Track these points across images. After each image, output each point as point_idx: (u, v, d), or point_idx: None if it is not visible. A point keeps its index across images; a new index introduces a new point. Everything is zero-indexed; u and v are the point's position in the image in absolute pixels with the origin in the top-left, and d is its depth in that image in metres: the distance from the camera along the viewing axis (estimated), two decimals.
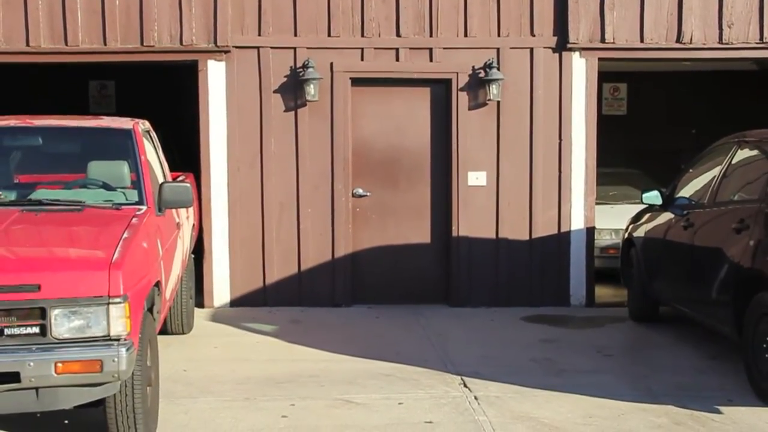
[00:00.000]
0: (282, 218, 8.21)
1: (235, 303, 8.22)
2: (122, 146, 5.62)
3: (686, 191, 6.96)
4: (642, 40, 8.18)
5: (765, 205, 5.50)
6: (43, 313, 4.00)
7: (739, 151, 6.29)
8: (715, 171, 6.50)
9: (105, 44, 7.95)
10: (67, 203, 5.10)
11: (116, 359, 4.00)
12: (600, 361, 6.39)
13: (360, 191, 8.35)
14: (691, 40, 8.17)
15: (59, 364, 3.96)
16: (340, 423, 5.01)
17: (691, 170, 7.14)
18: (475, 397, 5.44)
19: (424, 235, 8.57)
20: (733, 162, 6.28)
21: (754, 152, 6.14)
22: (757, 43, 8.17)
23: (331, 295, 8.25)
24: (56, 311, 4.00)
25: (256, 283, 8.23)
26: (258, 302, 8.19)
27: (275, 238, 8.20)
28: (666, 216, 7.07)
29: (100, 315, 4.02)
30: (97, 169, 5.46)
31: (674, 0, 8.13)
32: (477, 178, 8.18)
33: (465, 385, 5.70)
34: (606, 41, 8.16)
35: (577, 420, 5.05)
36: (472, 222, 8.21)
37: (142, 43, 7.97)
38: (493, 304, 8.17)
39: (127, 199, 5.26)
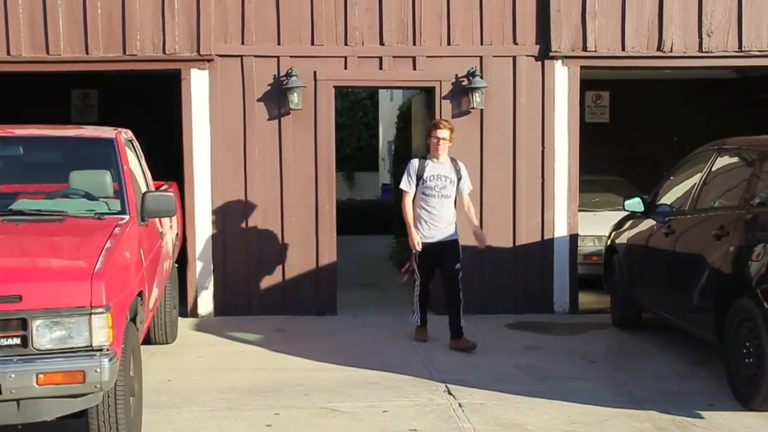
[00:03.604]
0: (266, 227, 8.20)
1: (219, 312, 8.20)
2: (104, 155, 5.60)
3: (667, 198, 7.02)
4: (623, 49, 8.25)
5: (744, 211, 5.56)
6: (24, 324, 3.98)
7: (719, 158, 6.35)
8: (696, 178, 6.55)
9: (87, 53, 7.93)
10: (48, 213, 5.08)
11: (99, 370, 3.98)
12: (583, 368, 6.42)
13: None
14: (671, 48, 8.25)
15: (41, 376, 3.94)
16: None
17: (672, 177, 7.19)
18: (460, 405, 5.45)
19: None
20: (713, 169, 6.34)
21: (734, 159, 6.21)
22: (735, 51, 8.26)
23: (315, 304, 8.25)
24: (38, 322, 3.98)
25: (241, 292, 8.21)
26: (242, 311, 8.17)
27: (259, 247, 8.19)
28: (648, 223, 7.12)
29: (82, 325, 4.01)
30: (79, 178, 5.43)
31: (655, 9, 8.21)
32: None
33: (449, 393, 5.71)
34: (588, 50, 8.23)
35: (560, 426, 5.07)
36: None
37: (124, 52, 7.95)
38: (477, 312, 8.17)
39: (109, 209, 5.24)
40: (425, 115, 8.62)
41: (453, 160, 6.99)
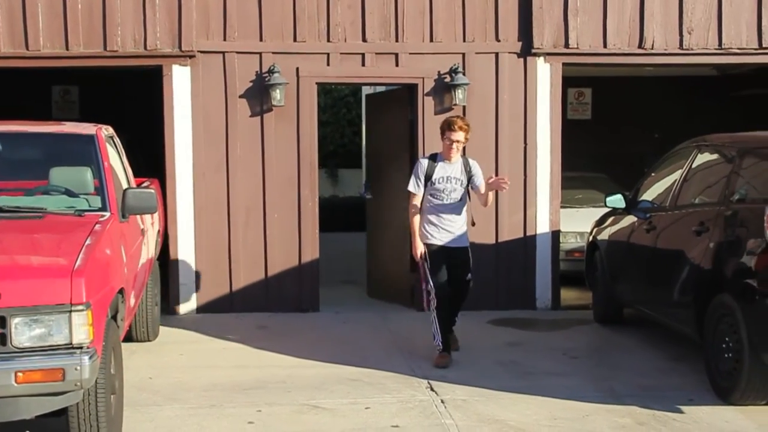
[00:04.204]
0: (248, 223, 8.18)
1: (201, 309, 8.17)
2: (85, 152, 5.56)
3: (649, 195, 7.06)
4: (605, 46, 8.28)
5: (724, 208, 5.60)
6: (2, 322, 3.94)
7: (699, 155, 6.40)
8: (676, 175, 6.60)
9: (67, 49, 7.86)
10: (28, 210, 5.04)
11: (79, 367, 3.96)
12: (565, 364, 6.45)
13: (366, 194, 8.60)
14: (652, 45, 8.29)
15: (20, 374, 3.91)
16: (307, 428, 5.00)
17: (653, 174, 7.24)
18: (442, 401, 5.47)
19: (390, 238, 8.60)
20: (694, 166, 6.39)
21: (714, 156, 6.25)
22: (716, 49, 8.31)
23: (298, 300, 8.24)
24: (16, 319, 3.95)
25: (223, 289, 8.18)
26: (225, 308, 8.14)
27: (241, 244, 8.17)
28: (629, 219, 7.16)
29: (62, 323, 3.98)
30: (60, 175, 5.39)
31: (636, 6, 8.25)
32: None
33: (432, 389, 5.72)
34: (570, 47, 8.25)
35: (542, 422, 5.09)
36: None
37: (105, 48, 7.90)
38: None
39: (90, 206, 5.20)
40: (398, 115, 8.59)
41: (464, 159, 6.47)
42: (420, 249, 6.33)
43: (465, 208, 6.45)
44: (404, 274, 8.48)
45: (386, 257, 8.76)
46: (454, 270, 6.37)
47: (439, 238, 6.34)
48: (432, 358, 6.32)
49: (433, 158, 6.45)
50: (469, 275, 6.47)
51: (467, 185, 6.40)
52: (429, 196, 6.38)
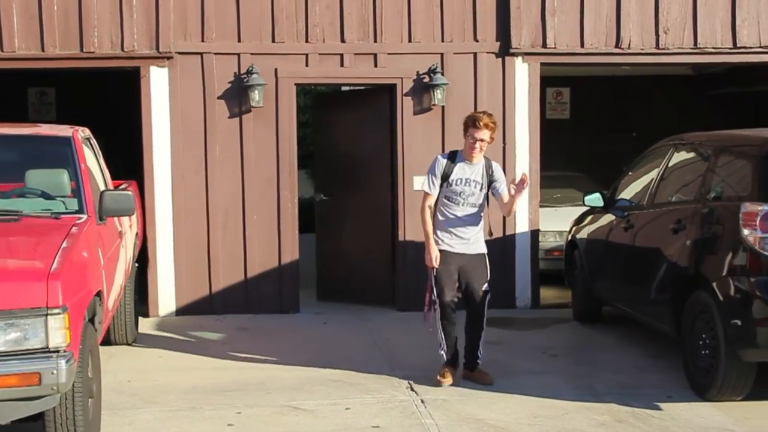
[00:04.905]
0: (227, 225, 8.14)
1: (180, 312, 8.13)
2: (61, 154, 5.52)
3: (626, 193, 7.11)
4: (582, 46, 8.33)
5: (701, 205, 5.65)
6: None
7: (675, 153, 6.45)
8: (654, 173, 6.65)
9: (43, 50, 7.80)
10: (3, 213, 4.98)
11: (55, 371, 3.92)
12: (545, 362, 6.48)
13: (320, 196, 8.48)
14: (629, 45, 8.34)
15: None
16: (287, 430, 4.99)
17: (630, 173, 7.29)
18: (422, 401, 5.47)
19: (370, 240, 8.60)
20: (670, 164, 6.44)
21: (690, 154, 6.30)
22: (691, 48, 8.38)
23: (278, 302, 8.21)
24: None
25: (202, 291, 8.15)
26: (204, 310, 8.10)
27: (221, 246, 8.13)
28: (607, 218, 7.21)
29: (38, 327, 3.94)
30: (36, 177, 5.35)
31: (612, 6, 8.30)
32: (423, 183, 8.23)
33: (412, 389, 5.72)
34: (547, 46, 8.29)
35: (522, 420, 5.11)
36: (418, 226, 8.10)
37: (81, 49, 7.84)
38: None
39: (66, 208, 5.17)
40: (368, 114, 8.57)
41: (487, 161, 5.79)
42: (435, 254, 5.68)
43: (483, 216, 5.83)
44: (385, 275, 8.49)
45: (356, 258, 8.60)
46: (470, 279, 5.73)
47: (451, 244, 5.73)
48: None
49: (452, 157, 5.78)
50: (486, 285, 5.78)
51: (487, 191, 5.76)
52: (444, 199, 5.75)
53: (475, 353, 5.85)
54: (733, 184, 5.49)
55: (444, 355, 5.76)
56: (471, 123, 5.66)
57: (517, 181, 5.60)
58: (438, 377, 5.72)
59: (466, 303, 5.82)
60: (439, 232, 5.76)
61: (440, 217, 5.77)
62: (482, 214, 5.82)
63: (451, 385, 5.74)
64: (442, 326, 5.74)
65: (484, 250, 5.83)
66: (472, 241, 5.76)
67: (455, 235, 5.73)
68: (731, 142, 5.91)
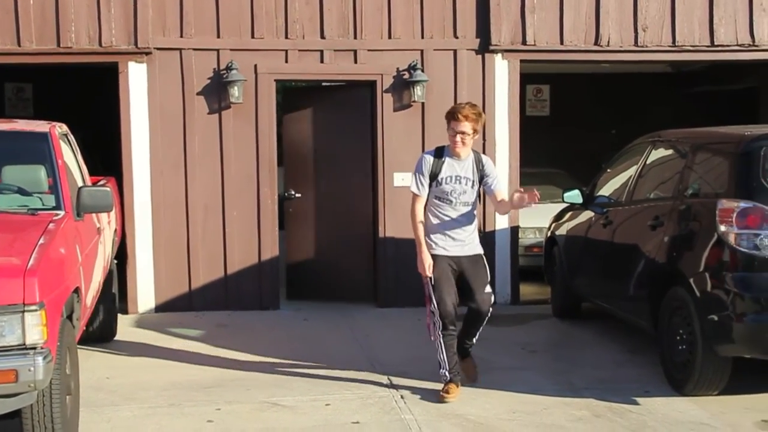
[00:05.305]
0: (207, 222, 8.11)
1: (160, 308, 8.09)
2: (38, 150, 5.47)
3: (605, 190, 7.15)
4: (562, 43, 8.37)
5: (678, 202, 5.70)
6: None
7: (653, 150, 6.50)
8: (632, 170, 6.69)
9: (19, 45, 7.73)
10: None
11: (32, 368, 3.89)
12: (524, 358, 6.51)
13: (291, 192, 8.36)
14: (608, 42, 8.39)
15: None
16: (267, 426, 4.98)
17: (609, 170, 7.33)
18: (402, 396, 5.48)
19: (350, 236, 8.59)
20: (648, 161, 6.49)
21: (668, 151, 6.35)
22: (670, 46, 8.45)
23: (258, 299, 8.19)
24: None
25: (182, 288, 8.11)
26: (184, 307, 8.07)
27: (200, 242, 8.10)
28: (586, 214, 7.25)
29: (14, 323, 3.91)
30: (12, 173, 5.31)
31: (592, 3, 8.35)
32: (403, 179, 8.22)
33: (392, 385, 5.73)
34: (527, 43, 8.32)
35: (501, 415, 5.14)
36: (398, 223, 8.25)
37: (58, 45, 7.77)
38: (420, 304, 8.10)
39: (43, 205, 5.13)
40: (348, 110, 8.53)
41: (476, 155, 5.48)
42: (428, 262, 5.37)
43: (476, 214, 5.56)
44: (365, 272, 8.49)
45: (333, 256, 8.54)
46: (470, 284, 5.45)
47: (445, 247, 5.42)
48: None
49: (439, 153, 5.43)
50: (488, 288, 5.50)
51: (479, 187, 5.48)
52: (434, 199, 5.43)
53: (471, 341, 5.71)
54: (711, 181, 5.54)
55: (446, 374, 5.41)
56: (451, 115, 5.37)
57: (527, 196, 5.16)
58: (442, 393, 5.37)
59: (470, 307, 5.53)
60: (431, 235, 5.44)
61: (432, 220, 5.46)
62: (475, 212, 5.53)
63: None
64: (443, 339, 5.41)
65: (480, 250, 5.55)
66: (468, 242, 5.47)
67: (449, 237, 5.42)
68: (708, 139, 5.96)
